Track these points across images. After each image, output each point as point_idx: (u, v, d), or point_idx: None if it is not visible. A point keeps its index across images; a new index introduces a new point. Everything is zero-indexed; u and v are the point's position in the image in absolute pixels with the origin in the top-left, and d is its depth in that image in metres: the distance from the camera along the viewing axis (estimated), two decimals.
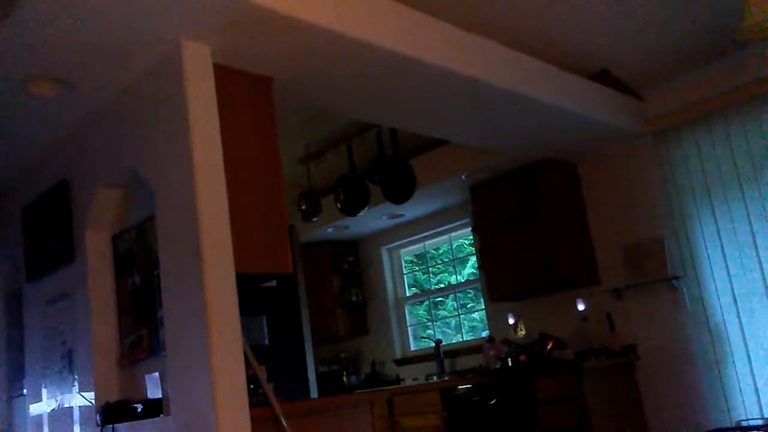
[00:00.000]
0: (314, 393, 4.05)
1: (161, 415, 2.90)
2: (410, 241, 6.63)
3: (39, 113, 3.33)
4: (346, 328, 6.72)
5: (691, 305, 4.55)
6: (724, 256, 4.41)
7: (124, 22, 2.65)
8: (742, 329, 4.32)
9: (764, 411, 4.18)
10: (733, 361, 4.34)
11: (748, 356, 4.28)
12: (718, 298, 4.43)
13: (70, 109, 3.32)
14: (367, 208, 5.10)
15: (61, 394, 3.53)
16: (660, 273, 4.67)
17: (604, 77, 4.55)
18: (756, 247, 4.27)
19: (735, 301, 4.36)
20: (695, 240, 4.55)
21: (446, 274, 6.56)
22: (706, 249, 4.49)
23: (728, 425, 4.20)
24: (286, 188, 3.12)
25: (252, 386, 2.73)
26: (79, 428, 3.34)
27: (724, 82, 4.37)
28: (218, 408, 2.49)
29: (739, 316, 4.33)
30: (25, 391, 3.95)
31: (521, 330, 5.39)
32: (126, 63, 2.94)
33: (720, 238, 4.44)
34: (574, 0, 3.76)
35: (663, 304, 4.69)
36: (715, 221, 4.46)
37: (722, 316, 4.40)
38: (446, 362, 6.01)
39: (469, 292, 6.28)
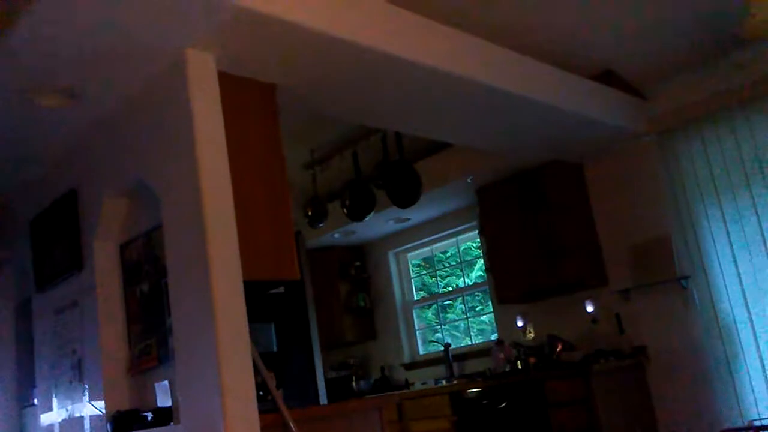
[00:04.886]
0: (324, 399, 4.05)
1: (171, 424, 2.91)
2: (417, 245, 6.63)
3: (45, 124, 3.35)
4: (355, 333, 6.71)
5: (700, 305, 4.53)
6: (733, 254, 4.39)
7: (128, 32, 2.66)
8: (753, 328, 4.29)
9: None
10: (744, 361, 4.31)
11: (760, 355, 4.25)
12: (728, 297, 4.40)
13: (76, 120, 3.34)
14: (373, 212, 5.10)
15: (72, 403, 3.54)
16: (668, 273, 4.64)
17: (607, 77, 4.54)
18: (765, 245, 4.24)
19: (745, 299, 4.33)
20: (703, 239, 4.53)
21: (454, 277, 6.55)
22: (715, 248, 4.47)
23: (740, 425, 4.17)
24: (291, 194, 3.12)
25: (261, 393, 2.73)
26: None
27: (729, 80, 4.35)
28: (228, 415, 2.49)
29: (749, 315, 4.30)
30: (35, 400, 3.96)
31: (530, 332, 5.37)
32: (131, 72, 2.95)
33: (728, 237, 4.41)
34: (576, 0, 3.76)
35: (672, 305, 4.67)
36: (723, 219, 4.44)
37: (732, 315, 4.38)
38: (455, 366, 6.00)
39: (478, 295, 6.27)
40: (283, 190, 3.07)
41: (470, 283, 6.31)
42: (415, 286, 6.78)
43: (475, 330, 6.28)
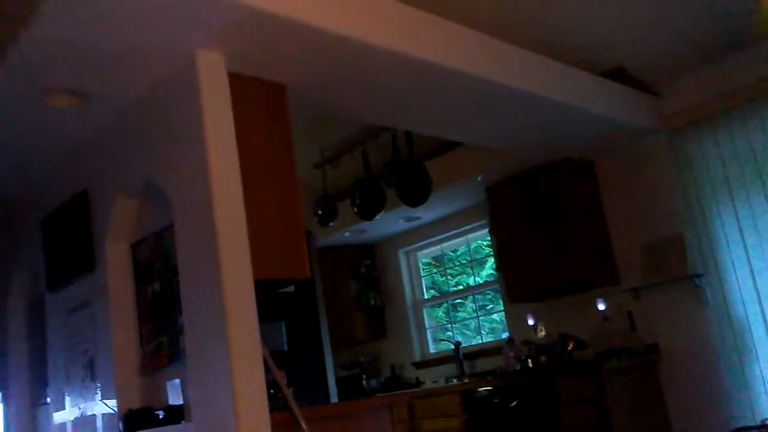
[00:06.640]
0: (334, 397, 4.07)
1: (183, 422, 2.92)
2: (427, 244, 6.61)
3: (56, 125, 3.37)
4: (365, 331, 6.71)
5: (713, 303, 4.50)
6: (747, 252, 4.35)
7: (138, 33, 2.67)
8: (765, 326, 4.25)
9: None
10: (757, 359, 4.27)
11: None
12: (741, 295, 4.36)
13: (87, 120, 3.35)
14: (383, 211, 5.10)
15: (84, 402, 3.57)
16: (680, 271, 4.61)
17: (619, 75, 4.51)
18: None
19: (758, 297, 4.29)
20: (716, 237, 4.49)
21: (464, 275, 6.54)
22: (728, 245, 4.44)
23: (753, 424, 4.14)
24: (302, 193, 3.13)
25: (272, 391, 2.74)
26: None
27: (742, 76, 4.31)
28: (239, 413, 2.50)
29: (762, 313, 4.27)
30: (48, 399, 3.99)
31: (541, 331, 5.35)
32: (141, 73, 2.96)
33: (741, 234, 4.38)
34: None
35: (684, 303, 4.64)
36: (736, 217, 4.41)
37: (745, 313, 4.34)
38: (466, 364, 5.99)
39: (488, 294, 6.25)
40: (293, 189, 3.07)
41: (481, 282, 6.29)
42: (425, 285, 6.77)
43: (485, 328, 6.26)
